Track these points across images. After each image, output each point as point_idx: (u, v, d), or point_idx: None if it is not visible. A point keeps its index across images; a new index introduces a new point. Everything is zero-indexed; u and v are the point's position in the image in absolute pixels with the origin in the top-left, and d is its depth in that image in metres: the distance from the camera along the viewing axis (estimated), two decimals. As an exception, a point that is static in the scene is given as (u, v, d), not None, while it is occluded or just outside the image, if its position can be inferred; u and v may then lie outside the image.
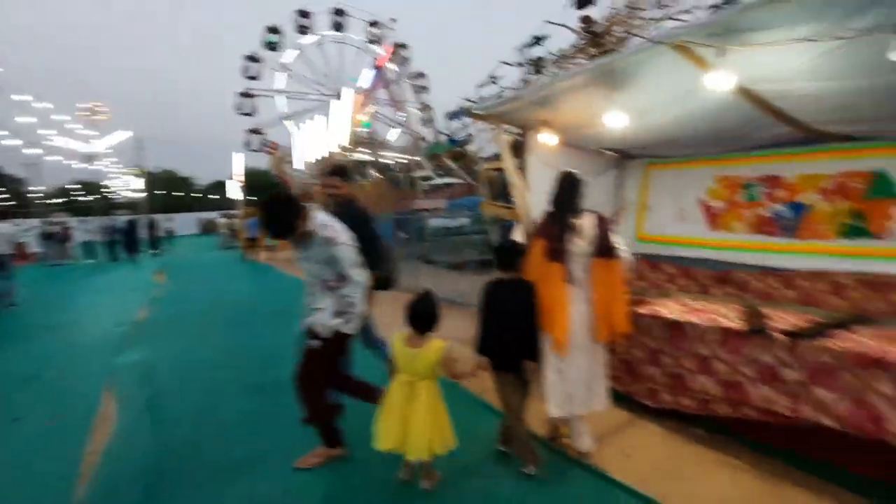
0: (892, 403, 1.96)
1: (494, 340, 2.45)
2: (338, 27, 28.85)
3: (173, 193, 47.36)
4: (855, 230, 3.66)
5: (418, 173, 20.69)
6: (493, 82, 18.19)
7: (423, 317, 2.34)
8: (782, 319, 2.64)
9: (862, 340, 2.20)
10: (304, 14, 27.78)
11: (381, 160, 16.19)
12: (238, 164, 23.84)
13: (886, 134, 3.41)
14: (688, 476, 2.41)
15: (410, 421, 2.28)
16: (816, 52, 2.19)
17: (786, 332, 2.29)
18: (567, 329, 2.45)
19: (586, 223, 2.59)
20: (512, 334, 2.44)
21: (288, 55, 28.07)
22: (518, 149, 4.48)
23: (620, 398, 3.21)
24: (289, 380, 2.72)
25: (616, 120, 3.09)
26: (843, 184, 3.71)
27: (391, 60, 26.49)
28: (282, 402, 3.39)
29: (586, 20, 17.06)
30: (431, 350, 2.32)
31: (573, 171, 2.79)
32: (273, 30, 27.26)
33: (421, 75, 29.74)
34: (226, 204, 29.88)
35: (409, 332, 2.37)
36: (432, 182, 17.66)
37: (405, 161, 22.69)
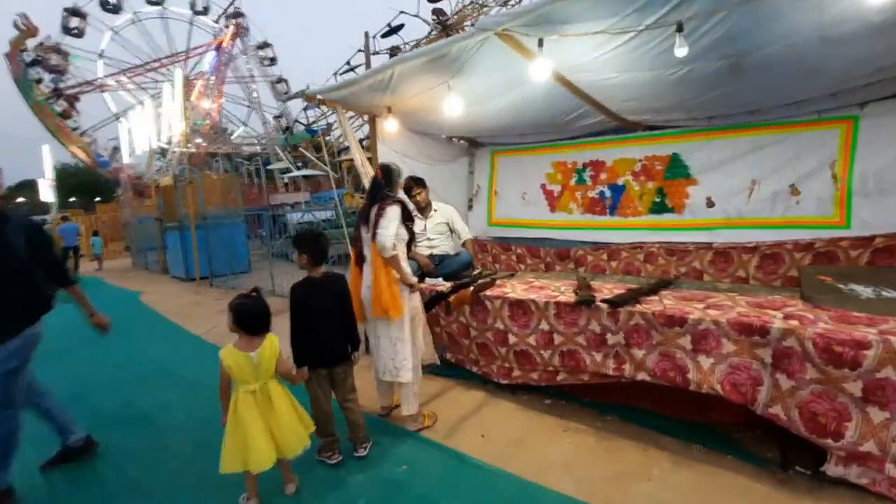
0: (690, 356, 2.29)
1: (309, 348, 2.37)
2: (155, 2, 24.85)
3: (-45, 198, 37.70)
4: (660, 206, 4.26)
5: (276, 165, 19.30)
6: (352, 70, 17.67)
7: (254, 317, 2.11)
8: (606, 290, 2.93)
9: (666, 303, 2.51)
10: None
11: (232, 151, 14.69)
12: (48, 160, 19.80)
13: (678, 123, 4.01)
14: (535, 445, 2.57)
15: (275, 425, 2.10)
16: (613, 46, 2.43)
17: (607, 301, 2.53)
18: (358, 304, 2.69)
19: (373, 210, 2.63)
20: (325, 341, 2.39)
21: (102, 40, 23.69)
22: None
23: (478, 379, 3.32)
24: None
25: (454, 106, 3.13)
26: (649, 167, 4.28)
27: (232, 35, 23.69)
28: None
29: (438, 12, 17.48)
30: (269, 347, 2.12)
31: (388, 163, 2.77)
32: (74, 12, 22.84)
33: (266, 45, 26.67)
34: (39, 208, 24.77)
35: (239, 337, 2.12)
36: (291, 174, 16.65)
37: (259, 152, 20.96)
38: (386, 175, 2.68)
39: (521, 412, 2.98)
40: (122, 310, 7.27)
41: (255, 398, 2.07)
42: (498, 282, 3.40)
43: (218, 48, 21.21)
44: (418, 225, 3.90)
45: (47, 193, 20.81)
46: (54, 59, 22.04)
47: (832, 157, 3.50)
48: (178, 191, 9.17)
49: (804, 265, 3.62)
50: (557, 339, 2.78)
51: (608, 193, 4.53)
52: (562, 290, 3.04)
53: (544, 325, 2.83)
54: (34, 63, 21.88)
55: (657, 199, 4.27)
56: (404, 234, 2.67)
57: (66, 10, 22.53)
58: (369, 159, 4.39)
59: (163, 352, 4.95)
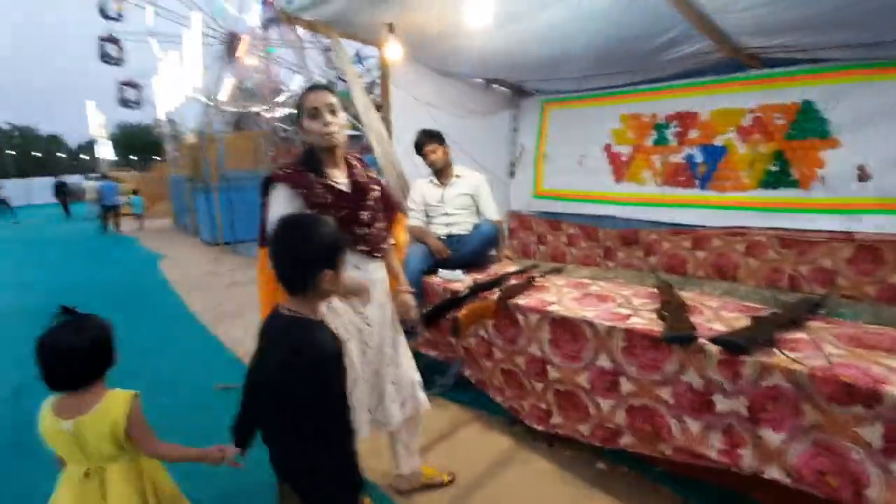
0: (877, 460, 1.22)
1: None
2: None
3: (33, 154, 40.10)
4: (777, 178, 3.02)
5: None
6: None
7: (58, 362, 1.15)
8: (708, 311, 1.86)
9: (830, 353, 1.43)
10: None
11: (272, 112, 13.96)
12: (95, 117, 19.95)
13: (818, 54, 2.72)
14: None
15: None
16: None
17: (721, 342, 1.48)
18: None
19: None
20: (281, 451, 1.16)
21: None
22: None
23: (505, 414, 2.38)
24: None
25: (479, 15, 2.06)
26: (764, 121, 3.02)
27: (280, -10, 22.52)
28: None
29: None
30: (103, 414, 1.23)
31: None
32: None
33: None
34: (95, 166, 25.52)
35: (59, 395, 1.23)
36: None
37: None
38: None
39: (561, 479, 2.02)
40: (135, 275, 6.87)
41: (80, 490, 1.20)
42: (538, 279, 2.39)
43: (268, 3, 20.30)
44: (433, 195, 2.93)
45: (107, 151, 21.24)
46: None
47: None
48: (203, 149, 8.58)
49: None
50: (626, 386, 1.76)
51: (699, 158, 3.31)
52: (634, 303, 1.99)
53: (605, 362, 1.81)
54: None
55: (774, 168, 3.03)
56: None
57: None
58: (379, 108, 3.41)
59: (147, 333, 4.33)
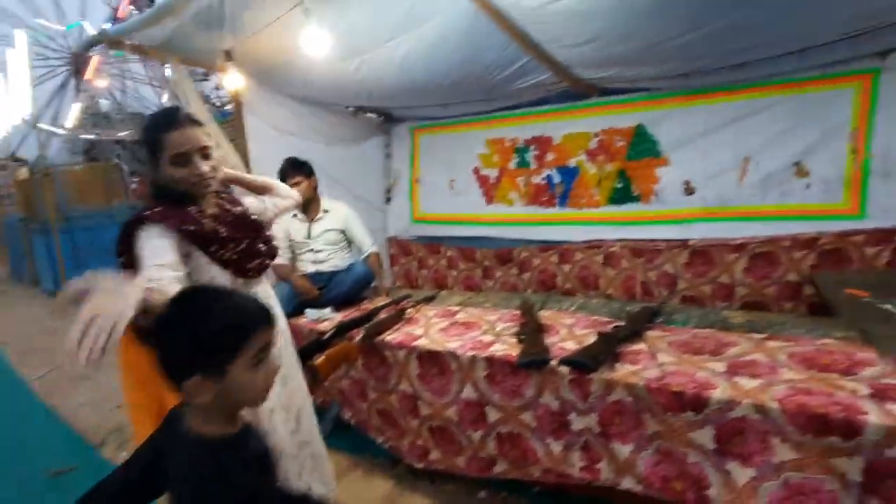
0: (713, 462, 1.32)
1: None
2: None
3: None
4: (622, 194, 3.32)
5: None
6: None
7: None
8: (563, 328, 1.93)
9: (663, 361, 1.53)
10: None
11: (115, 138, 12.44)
12: None
13: (644, 84, 3.05)
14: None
15: None
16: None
17: (568, 362, 1.52)
18: None
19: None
20: None
21: None
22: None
23: (387, 455, 2.25)
24: None
25: (319, 44, 1.98)
26: (607, 143, 3.32)
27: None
28: None
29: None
30: None
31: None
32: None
33: None
34: None
35: None
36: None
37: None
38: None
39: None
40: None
41: None
42: (409, 312, 2.32)
43: (114, 19, 18.32)
44: (299, 230, 2.75)
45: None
46: None
47: (844, 125, 2.67)
48: (37, 185, 7.35)
49: (806, 267, 2.80)
50: (492, 414, 1.74)
51: (557, 178, 3.54)
52: (498, 328, 2.00)
53: (470, 393, 1.78)
54: None
55: (618, 185, 3.33)
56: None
57: None
58: (233, 140, 3.15)
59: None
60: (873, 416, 1.14)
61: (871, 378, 1.31)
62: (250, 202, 1.58)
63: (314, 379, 1.73)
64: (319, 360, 1.73)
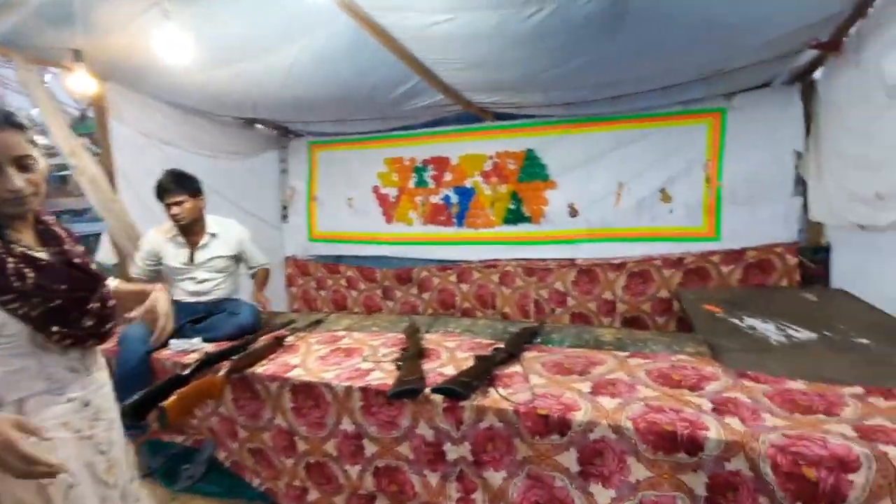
0: (577, 484, 1.33)
1: None
2: None
3: None
4: (515, 215, 3.44)
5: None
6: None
7: None
8: (445, 351, 1.90)
9: (535, 384, 1.54)
10: None
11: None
12: None
13: (532, 111, 3.20)
14: None
15: None
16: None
17: (440, 391, 1.48)
18: None
19: None
20: None
21: None
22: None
23: (264, 499, 2.04)
24: None
25: (178, 48, 1.81)
26: (501, 165, 3.43)
27: None
28: None
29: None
30: None
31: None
32: None
33: None
34: None
35: None
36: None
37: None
38: None
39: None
40: None
41: None
42: (290, 339, 2.16)
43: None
44: (177, 255, 2.43)
45: None
46: None
47: (701, 157, 2.98)
48: None
49: (675, 284, 3.06)
50: (369, 447, 1.65)
51: (454, 199, 3.58)
52: (380, 354, 1.92)
53: (348, 425, 1.68)
54: None
55: (512, 206, 3.43)
56: None
57: None
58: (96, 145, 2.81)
59: None
60: (713, 430, 1.22)
61: (714, 393, 1.42)
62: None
63: (162, 421, 1.52)
64: (170, 400, 1.53)
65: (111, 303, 1.17)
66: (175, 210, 2.30)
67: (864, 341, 1.84)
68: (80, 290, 1.09)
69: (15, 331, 0.98)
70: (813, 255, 2.78)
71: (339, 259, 4.03)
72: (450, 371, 1.68)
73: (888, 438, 1.16)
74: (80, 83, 2.09)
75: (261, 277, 2.69)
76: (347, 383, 1.65)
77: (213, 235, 2.45)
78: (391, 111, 3.08)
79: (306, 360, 1.91)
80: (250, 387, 1.85)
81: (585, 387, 1.50)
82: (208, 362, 1.89)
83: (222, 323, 2.31)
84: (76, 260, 1.12)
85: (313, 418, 1.74)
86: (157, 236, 2.45)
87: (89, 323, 1.09)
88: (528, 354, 1.79)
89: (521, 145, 3.34)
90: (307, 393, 1.74)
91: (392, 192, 3.77)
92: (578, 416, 1.33)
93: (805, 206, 2.82)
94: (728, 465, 1.21)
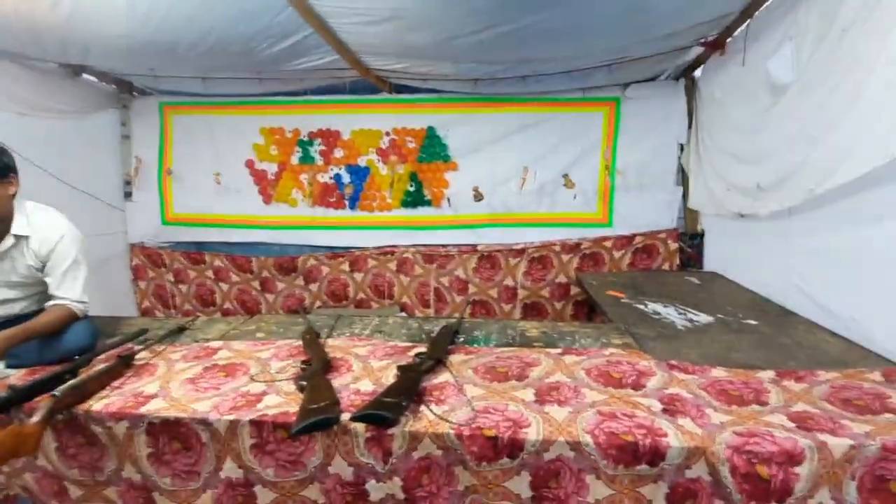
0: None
1: None
2: None
3: None
4: (415, 198, 3.18)
5: None
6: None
7: None
8: (358, 356, 1.59)
9: (473, 394, 1.32)
10: None
11: None
12: None
13: (436, 85, 2.94)
14: None
15: None
16: None
17: (360, 419, 1.18)
18: None
19: None
20: None
21: None
22: None
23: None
24: None
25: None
26: (399, 143, 3.13)
27: None
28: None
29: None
30: None
31: None
32: None
33: None
34: None
35: None
36: None
37: None
38: None
39: None
40: None
41: None
42: (142, 358, 1.64)
43: None
44: None
45: None
46: None
47: (598, 144, 3.02)
48: None
49: (572, 269, 3.10)
50: (264, 496, 1.28)
51: (347, 178, 3.20)
52: (273, 368, 1.54)
53: (233, 472, 1.28)
54: None
55: (411, 188, 3.17)
56: None
57: None
58: None
59: None
60: (672, 437, 1.12)
61: (656, 390, 1.34)
62: None
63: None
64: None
65: None
66: None
67: (753, 322, 1.97)
68: None
69: None
70: (690, 241, 3.00)
71: (202, 246, 3.38)
72: (367, 387, 1.38)
73: (819, 426, 1.17)
74: None
75: (48, 322, 1.66)
76: (231, 416, 1.25)
77: (23, 237, 1.71)
78: (271, 70, 2.58)
79: (168, 385, 1.45)
80: (84, 430, 1.33)
81: (528, 395, 1.32)
82: (12, 400, 1.32)
83: (38, 343, 1.67)
84: None
85: (181, 466, 1.31)
86: None
87: None
88: (454, 358, 1.56)
89: (421, 122, 3.08)
90: (171, 433, 1.29)
91: (271, 167, 3.24)
92: (531, 435, 1.15)
93: (684, 195, 3.02)
94: (689, 473, 1.12)
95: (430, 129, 3.08)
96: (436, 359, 1.48)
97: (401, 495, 1.20)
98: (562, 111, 2.98)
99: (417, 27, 1.90)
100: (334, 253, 3.24)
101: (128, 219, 3.36)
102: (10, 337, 1.55)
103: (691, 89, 2.91)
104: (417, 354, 1.53)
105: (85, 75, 2.99)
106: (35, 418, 1.22)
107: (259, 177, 3.26)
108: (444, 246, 3.18)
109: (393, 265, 3.22)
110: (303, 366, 1.48)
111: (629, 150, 3.01)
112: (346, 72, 2.67)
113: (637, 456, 1.11)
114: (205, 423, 1.26)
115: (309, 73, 2.62)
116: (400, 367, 1.41)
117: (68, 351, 1.64)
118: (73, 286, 1.74)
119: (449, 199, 3.13)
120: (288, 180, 3.23)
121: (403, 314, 3.14)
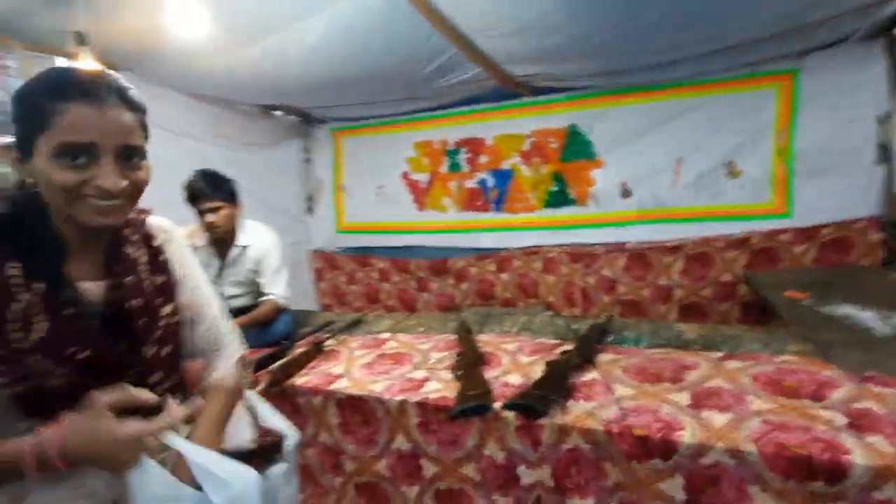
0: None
1: None
2: None
3: None
4: (558, 198, 3.18)
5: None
6: None
7: None
8: (505, 354, 1.70)
9: (622, 395, 1.33)
10: None
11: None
12: None
13: (573, 83, 2.92)
14: None
15: None
16: None
17: (512, 407, 1.28)
18: None
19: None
20: None
21: None
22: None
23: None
24: None
25: (197, 24, 1.62)
26: (541, 144, 3.17)
27: None
28: None
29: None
30: None
31: None
32: None
33: None
34: None
35: None
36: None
37: None
38: None
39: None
40: None
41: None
42: (330, 344, 1.99)
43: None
44: (207, 270, 2.25)
45: None
46: None
47: (768, 125, 2.67)
48: None
49: (739, 268, 2.79)
50: (429, 468, 1.47)
51: (491, 182, 3.35)
52: (432, 359, 1.73)
53: (403, 444, 1.50)
54: None
55: (554, 188, 3.18)
56: None
57: None
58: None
59: None
60: (857, 455, 1.00)
61: (842, 403, 1.18)
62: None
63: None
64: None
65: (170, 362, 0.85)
66: (211, 218, 2.03)
67: None
68: (112, 356, 0.76)
69: None
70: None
71: (369, 251, 3.85)
72: (516, 380, 1.48)
73: None
74: (90, 66, 1.91)
75: (262, 313, 2.14)
76: (401, 397, 1.47)
77: (245, 247, 2.17)
78: (422, 89, 2.84)
79: (350, 368, 1.74)
80: (290, 400, 1.68)
81: (683, 398, 1.28)
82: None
83: (256, 330, 2.11)
84: (135, 303, 0.80)
85: (363, 435, 1.57)
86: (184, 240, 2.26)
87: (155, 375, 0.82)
88: (602, 357, 1.57)
89: (562, 121, 3.07)
90: (354, 408, 1.56)
91: (423, 177, 3.55)
92: (685, 438, 1.12)
93: (888, 176, 2.50)
94: (877, 494, 0.98)
95: (572, 127, 3.06)
96: (583, 356, 1.51)
97: (550, 483, 1.27)
98: (720, 93, 2.70)
99: (548, 34, 1.94)
100: (481, 254, 3.41)
101: (310, 229, 3.99)
102: (240, 324, 2.03)
103: (891, 49, 2.40)
104: (564, 351, 1.58)
105: (274, 113, 3.66)
106: (258, 388, 1.58)
107: (413, 186, 3.60)
108: (589, 245, 3.13)
109: (538, 265, 3.27)
110: (457, 358, 1.64)
111: (811, 127, 2.59)
112: (486, 82, 2.80)
113: (812, 471, 1.01)
114: (380, 401, 1.49)
115: (453, 88, 2.82)
116: (548, 363, 1.48)
117: (276, 336, 2.06)
118: (279, 284, 2.20)
119: (594, 197, 3.07)
120: (438, 188, 3.51)
121: (550, 312, 3.16)
